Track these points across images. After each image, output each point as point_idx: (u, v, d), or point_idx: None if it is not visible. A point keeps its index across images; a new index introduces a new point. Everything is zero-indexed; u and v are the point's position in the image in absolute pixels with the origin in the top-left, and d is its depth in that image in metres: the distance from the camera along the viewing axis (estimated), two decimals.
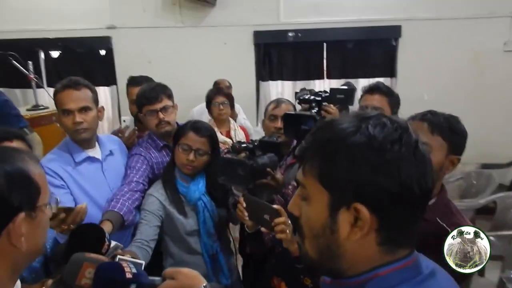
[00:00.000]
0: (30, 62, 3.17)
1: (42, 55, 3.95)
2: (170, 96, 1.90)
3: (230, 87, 3.59)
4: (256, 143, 1.73)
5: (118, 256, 1.00)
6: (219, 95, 2.92)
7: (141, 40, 4.29)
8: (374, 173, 0.59)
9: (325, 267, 0.68)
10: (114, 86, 4.37)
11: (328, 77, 4.44)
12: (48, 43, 4.14)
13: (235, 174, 1.63)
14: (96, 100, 1.73)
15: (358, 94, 2.07)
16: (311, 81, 4.43)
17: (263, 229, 1.45)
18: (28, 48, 3.80)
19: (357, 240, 0.62)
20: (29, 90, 3.50)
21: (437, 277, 0.65)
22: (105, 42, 4.29)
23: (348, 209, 0.61)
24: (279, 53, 4.38)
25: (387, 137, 0.60)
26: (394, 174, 0.59)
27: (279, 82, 4.48)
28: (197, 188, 1.69)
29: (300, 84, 4.29)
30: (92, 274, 0.87)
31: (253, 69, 4.43)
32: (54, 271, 1.30)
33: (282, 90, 4.49)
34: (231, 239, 1.89)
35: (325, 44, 4.37)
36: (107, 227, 1.46)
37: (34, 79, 3.18)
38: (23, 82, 3.30)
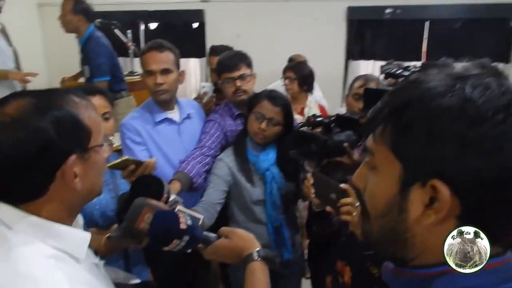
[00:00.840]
0: (129, 31, 3.41)
1: (142, 27, 4.24)
2: (249, 65, 1.87)
3: (305, 62, 3.45)
4: (333, 118, 1.62)
5: (178, 207, 1.00)
6: (288, 70, 2.89)
7: (232, 14, 4.33)
8: (465, 147, 0.45)
9: (388, 251, 0.58)
10: (204, 58, 4.51)
11: (427, 59, 4.03)
12: (147, 15, 4.40)
13: (308, 148, 1.55)
14: (177, 64, 1.77)
15: None
16: (407, 63, 4.07)
17: (328, 208, 1.35)
18: (129, 19, 4.08)
19: (430, 226, 0.50)
20: (127, 59, 3.77)
21: None
22: (198, 15, 4.42)
23: (423, 186, 0.49)
24: (373, 30, 4.10)
25: (489, 102, 0.46)
26: (493, 152, 0.45)
27: (371, 62, 4.20)
28: (267, 158, 1.66)
29: None
30: (150, 220, 0.88)
31: (343, 47, 4.20)
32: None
33: (373, 71, 4.19)
34: (298, 216, 1.82)
35: (427, 23, 3.96)
36: (175, 186, 1.50)
37: (132, 46, 3.42)
38: (122, 51, 3.56)
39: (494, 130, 0.45)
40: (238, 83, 1.80)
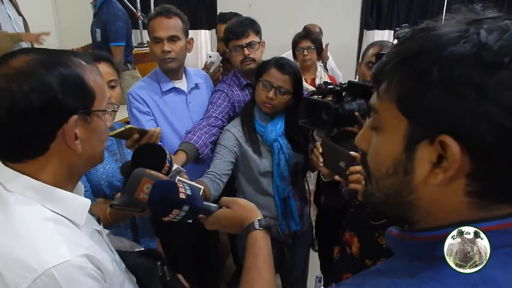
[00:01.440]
0: (138, 1, 3.33)
1: None
2: (258, 32, 1.81)
3: (320, 33, 3.32)
4: (344, 86, 1.55)
5: (178, 177, 0.98)
6: (305, 39, 2.74)
7: None
8: (479, 97, 0.42)
9: (392, 214, 0.55)
10: (214, 30, 4.42)
11: None
12: None
13: (318, 117, 1.50)
14: (186, 31, 1.72)
15: None
16: None
17: (337, 177, 1.32)
18: None
19: (437, 186, 0.47)
20: (136, 31, 3.70)
21: None
22: None
23: (431, 143, 0.46)
24: None
25: (507, 47, 0.42)
26: (510, 102, 0.41)
27: (387, 31, 4.05)
28: (275, 129, 1.61)
29: None
30: (150, 190, 0.87)
31: (358, 15, 4.05)
32: None
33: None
34: (306, 188, 1.79)
35: None
36: (181, 157, 1.48)
37: (141, 17, 3.36)
38: (132, 23, 3.50)
39: None
40: (246, 51, 1.75)
